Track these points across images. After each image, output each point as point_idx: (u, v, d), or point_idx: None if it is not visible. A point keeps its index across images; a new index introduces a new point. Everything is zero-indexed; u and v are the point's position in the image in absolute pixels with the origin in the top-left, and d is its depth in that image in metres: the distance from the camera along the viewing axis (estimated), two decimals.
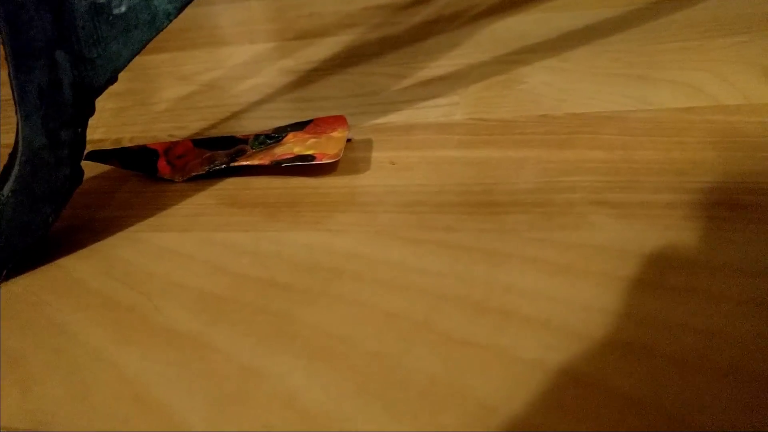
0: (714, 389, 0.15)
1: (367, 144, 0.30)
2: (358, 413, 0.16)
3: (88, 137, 0.36)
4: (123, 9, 0.22)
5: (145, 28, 0.22)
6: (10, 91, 0.22)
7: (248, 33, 0.53)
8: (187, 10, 0.63)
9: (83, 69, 0.22)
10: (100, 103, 0.42)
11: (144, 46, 0.23)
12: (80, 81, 0.22)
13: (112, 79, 0.23)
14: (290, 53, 0.46)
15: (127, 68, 0.51)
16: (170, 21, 0.22)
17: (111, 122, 0.38)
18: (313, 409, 0.16)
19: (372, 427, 0.15)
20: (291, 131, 0.30)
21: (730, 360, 0.15)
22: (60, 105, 0.22)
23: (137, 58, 0.51)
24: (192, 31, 0.55)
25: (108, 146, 0.35)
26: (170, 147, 0.30)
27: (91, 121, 0.39)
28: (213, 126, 0.35)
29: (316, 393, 0.17)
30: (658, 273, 0.19)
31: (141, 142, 0.34)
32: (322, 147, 0.27)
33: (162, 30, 0.22)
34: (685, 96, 0.29)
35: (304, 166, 0.28)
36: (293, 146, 0.28)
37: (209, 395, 0.17)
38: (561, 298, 0.18)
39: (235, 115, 0.36)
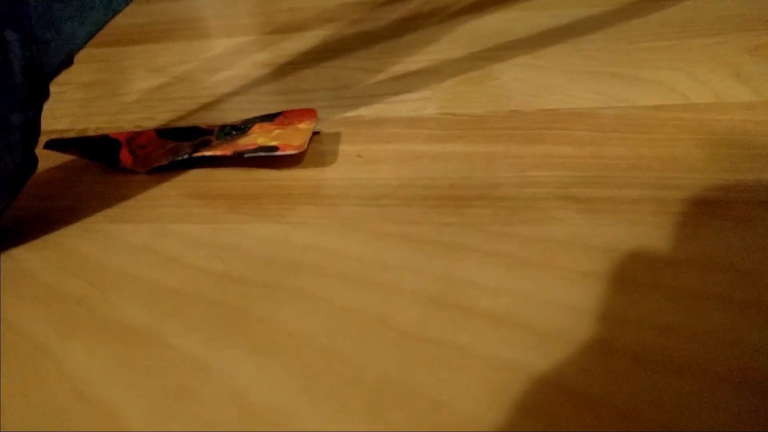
0: (669, 386, 0.14)
1: (336, 137, 0.29)
2: (306, 410, 0.15)
3: (53, 127, 0.35)
4: None
5: (101, 9, 0.22)
6: None
7: (227, 27, 0.52)
8: (167, 3, 0.63)
9: (35, 51, 0.21)
10: (67, 93, 0.41)
11: (100, 28, 0.22)
12: (32, 63, 0.21)
13: (67, 62, 0.23)
14: (267, 47, 0.45)
15: (98, 59, 0.50)
16: (127, 3, 0.22)
17: (77, 112, 0.37)
18: (260, 406, 0.15)
19: (319, 424, 0.15)
20: (258, 122, 0.29)
21: (687, 356, 0.15)
22: (10, 87, 0.21)
23: (109, 48, 0.50)
24: (169, 24, 0.55)
25: (73, 136, 0.34)
26: (133, 137, 0.29)
27: (57, 111, 0.38)
28: (182, 117, 0.34)
29: (264, 389, 0.16)
30: (621, 268, 0.18)
31: (107, 132, 0.34)
32: (287, 138, 0.26)
33: (119, 12, 0.22)
34: (656, 94, 0.29)
35: (268, 157, 0.27)
36: (257, 137, 0.27)
37: (153, 391, 0.16)
38: (521, 293, 0.18)
39: (206, 107, 0.36)
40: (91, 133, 0.34)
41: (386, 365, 0.16)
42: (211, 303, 0.19)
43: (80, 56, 0.48)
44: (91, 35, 0.22)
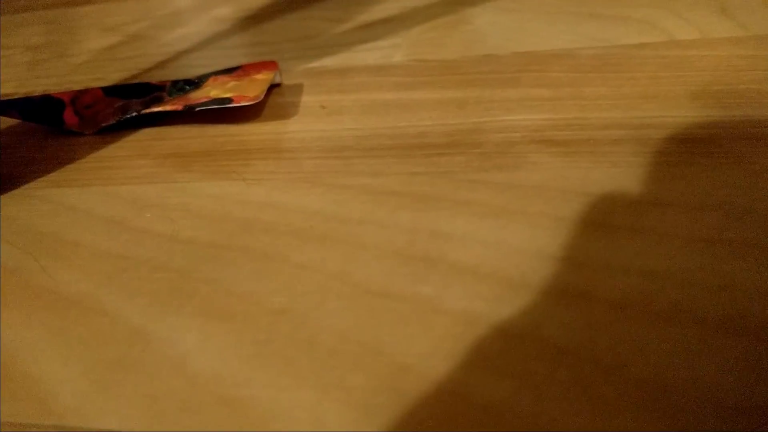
0: (653, 335, 0.13)
1: (298, 88, 0.27)
2: (256, 377, 0.14)
3: None
4: None
5: None
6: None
7: None
8: None
9: None
10: (14, 56, 0.38)
11: None
12: None
13: None
14: (226, 1, 0.42)
15: (47, 20, 0.47)
16: None
17: (23, 75, 0.35)
18: (204, 375, 0.14)
19: (270, 391, 0.13)
20: (213, 76, 0.27)
21: (673, 302, 0.14)
22: None
23: (59, 9, 0.47)
24: None
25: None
26: (77, 96, 0.27)
27: (2, 75, 0.35)
28: (135, 77, 0.32)
29: (209, 357, 0.14)
30: (601, 212, 0.17)
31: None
32: (242, 89, 0.24)
33: None
34: (638, 32, 0.27)
35: (223, 111, 0.25)
36: (211, 90, 0.25)
37: (87, 364, 0.15)
38: (492, 242, 0.16)
39: (161, 65, 0.33)
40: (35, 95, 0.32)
41: (345, 325, 0.15)
42: (155, 267, 0.17)
43: (28, 18, 0.45)
44: None
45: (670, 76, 0.23)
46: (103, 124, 0.26)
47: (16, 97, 0.32)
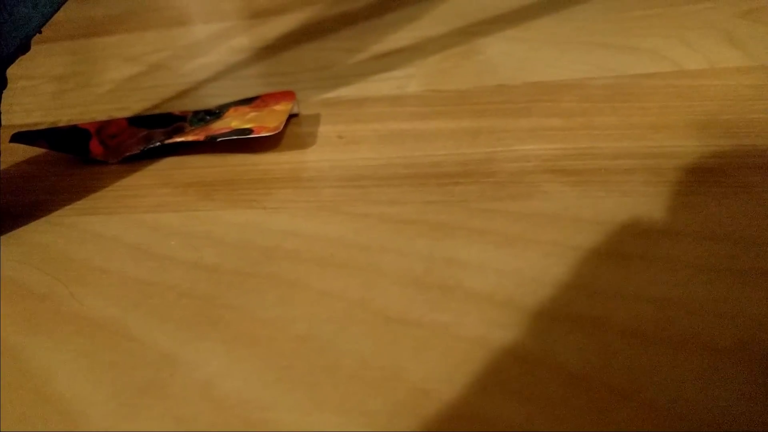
0: (666, 362, 0.13)
1: (315, 118, 0.28)
2: (280, 401, 0.14)
3: (23, 121, 0.34)
4: None
5: None
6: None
7: (203, 13, 0.51)
8: None
9: None
10: (39, 86, 0.39)
11: (56, 10, 0.21)
12: None
13: (23, 47, 0.21)
14: (244, 32, 0.44)
15: (70, 51, 0.48)
16: None
17: (48, 105, 0.36)
18: (230, 399, 0.14)
19: (294, 415, 0.14)
20: (233, 106, 0.28)
21: (685, 330, 0.14)
22: None
23: (82, 40, 0.48)
24: (143, 13, 0.53)
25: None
26: (103, 126, 0.28)
27: (28, 105, 0.36)
28: (157, 106, 0.33)
29: (235, 381, 0.15)
30: (614, 241, 0.17)
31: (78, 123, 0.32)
32: (262, 120, 0.25)
33: None
34: (647, 62, 0.28)
35: (243, 141, 0.26)
36: (232, 121, 0.26)
37: (117, 387, 0.15)
38: (508, 270, 0.17)
39: (181, 95, 0.34)
40: (62, 125, 0.33)
41: (366, 351, 0.15)
42: (181, 293, 0.18)
43: (52, 49, 0.47)
44: (47, 18, 0.21)
45: (679, 106, 0.24)
46: (127, 154, 0.27)
47: (41, 126, 0.33)
